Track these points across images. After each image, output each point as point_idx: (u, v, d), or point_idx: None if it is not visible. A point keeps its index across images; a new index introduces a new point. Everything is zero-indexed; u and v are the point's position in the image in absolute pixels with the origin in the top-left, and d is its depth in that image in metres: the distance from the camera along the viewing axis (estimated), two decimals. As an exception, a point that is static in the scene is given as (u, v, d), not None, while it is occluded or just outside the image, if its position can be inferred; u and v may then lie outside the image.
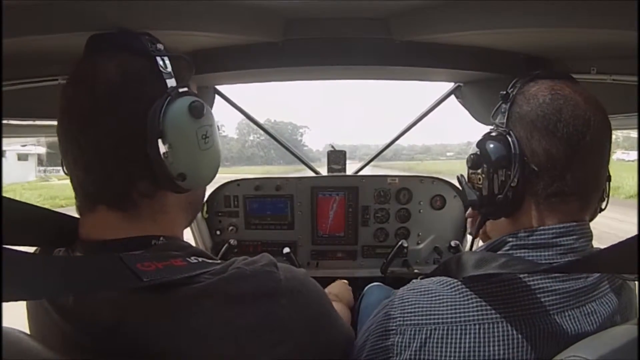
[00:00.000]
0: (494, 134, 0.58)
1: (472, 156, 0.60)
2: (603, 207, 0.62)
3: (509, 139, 0.55)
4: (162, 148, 0.46)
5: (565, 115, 0.52)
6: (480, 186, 0.59)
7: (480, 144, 0.58)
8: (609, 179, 0.61)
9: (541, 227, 0.53)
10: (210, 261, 0.49)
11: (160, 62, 0.49)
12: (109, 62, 0.47)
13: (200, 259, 0.48)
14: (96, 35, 0.50)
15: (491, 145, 0.57)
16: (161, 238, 0.49)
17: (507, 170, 0.55)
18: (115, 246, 0.46)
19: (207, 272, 0.45)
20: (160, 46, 0.50)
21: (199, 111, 0.48)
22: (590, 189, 0.55)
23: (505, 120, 0.57)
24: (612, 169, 0.62)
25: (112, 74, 0.46)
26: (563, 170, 0.52)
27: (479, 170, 0.59)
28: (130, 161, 0.47)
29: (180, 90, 0.49)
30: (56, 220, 0.53)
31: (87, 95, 0.46)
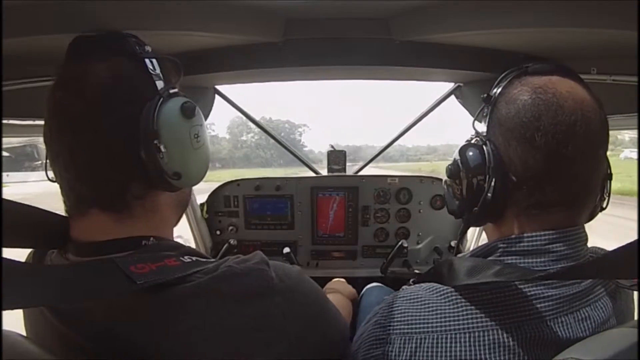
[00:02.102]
0: (472, 141, 0.55)
1: (450, 166, 0.57)
2: (604, 206, 0.58)
3: (485, 148, 0.52)
4: (157, 148, 0.46)
5: (545, 123, 0.48)
6: (460, 195, 0.57)
7: (459, 152, 0.56)
8: (609, 177, 0.57)
9: (532, 234, 0.51)
10: (203, 260, 0.49)
11: (149, 64, 0.49)
12: (99, 64, 0.47)
13: (193, 258, 0.48)
14: (82, 36, 0.50)
15: (468, 155, 0.54)
16: (151, 238, 0.49)
17: (482, 181, 0.52)
18: (106, 247, 0.47)
19: (199, 271, 0.46)
20: (148, 48, 0.51)
21: (191, 111, 0.50)
22: (580, 197, 0.52)
23: (486, 126, 0.54)
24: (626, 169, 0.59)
25: (104, 76, 0.46)
26: (542, 182, 0.49)
27: (457, 180, 0.57)
28: (124, 163, 0.47)
29: (171, 91, 0.49)
30: (48, 220, 0.53)
31: (78, 98, 0.46)
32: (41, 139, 0.49)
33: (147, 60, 0.49)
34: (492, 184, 0.51)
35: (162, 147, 0.47)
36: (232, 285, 0.46)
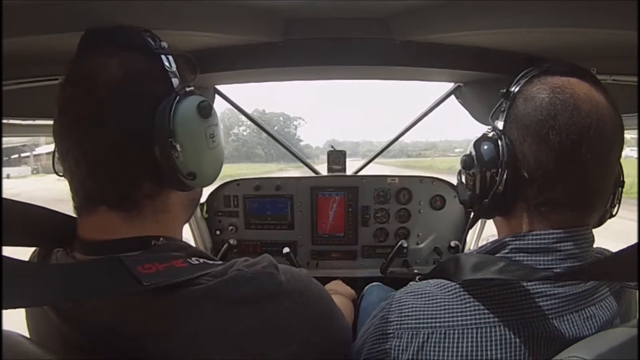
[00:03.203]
0: (488, 135, 0.57)
1: (464, 157, 0.59)
2: (614, 212, 0.58)
3: (500, 142, 0.53)
4: (172, 147, 0.46)
5: (561, 122, 0.49)
6: (472, 187, 0.58)
7: (474, 145, 0.57)
8: (621, 184, 0.57)
9: (541, 232, 0.51)
10: (211, 262, 0.48)
11: (165, 61, 0.48)
12: (109, 60, 0.46)
13: (201, 260, 0.48)
14: (93, 31, 0.49)
15: (483, 148, 0.55)
16: (161, 238, 0.49)
17: (495, 174, 0.53)
18: (114, 247, 0.46)
19: (208, 274, 0.45)
20: (164, 44, 0.50)
21: (208, 111, 0.49)
22: (589, 199, 0.52)
23: (503, 121, 0.55)
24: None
25: (113, 73, 0.45)
26: (553, 181, 0.50)
27: (470, 172, 0.58)
28: (136, 161, 0.46)
29: (187, 89, 0.49)
30: (54, 219, 0.53)
31: (88, 95, 0.45)
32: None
33: (162, 57, 0.48)
34: (504, 177, 0.52)
35: (177, 147, 0.46)
36: (241, 289, 0.45)
